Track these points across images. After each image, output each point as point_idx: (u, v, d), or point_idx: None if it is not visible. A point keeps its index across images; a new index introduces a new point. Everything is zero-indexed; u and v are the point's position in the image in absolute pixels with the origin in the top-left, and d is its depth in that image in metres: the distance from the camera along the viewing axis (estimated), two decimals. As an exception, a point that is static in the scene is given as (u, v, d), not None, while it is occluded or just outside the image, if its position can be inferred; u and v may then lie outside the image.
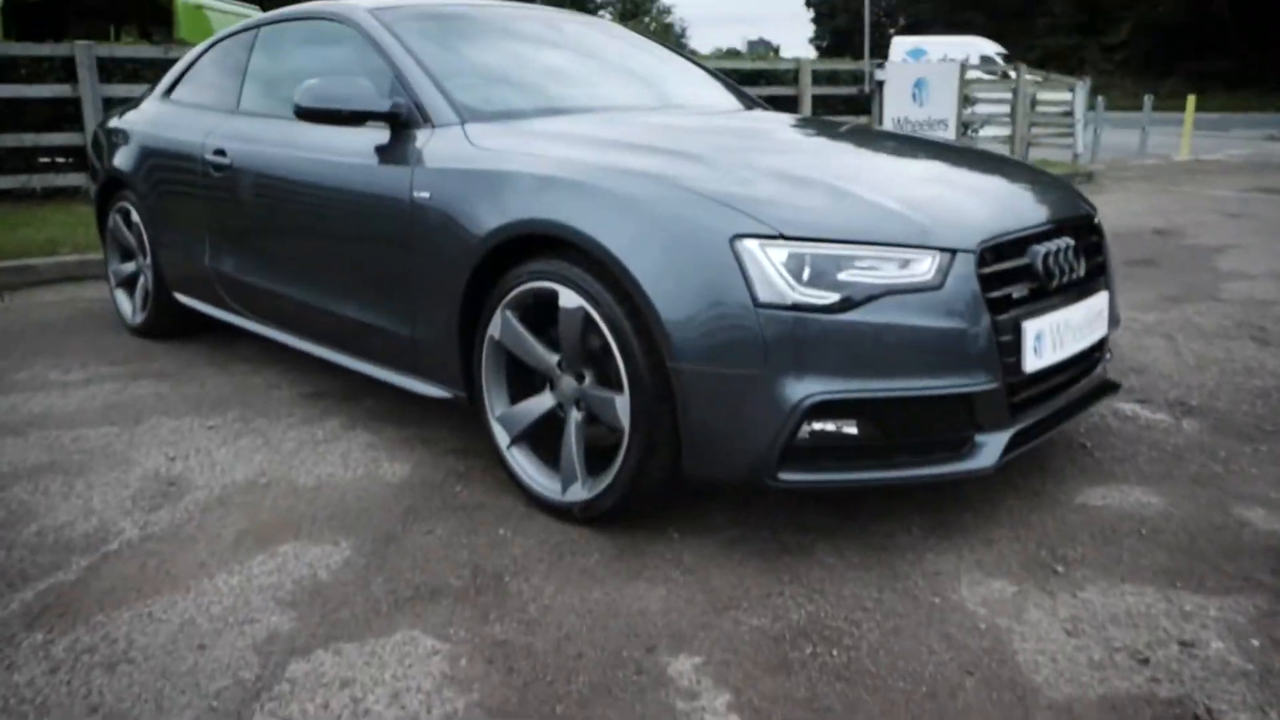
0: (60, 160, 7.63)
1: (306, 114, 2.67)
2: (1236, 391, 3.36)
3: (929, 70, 11.74)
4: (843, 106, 11.33)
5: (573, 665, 1.80)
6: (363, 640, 1.88)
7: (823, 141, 2.88)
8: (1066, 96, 12.67)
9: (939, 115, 11.59)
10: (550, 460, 2.42)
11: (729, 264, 2.00)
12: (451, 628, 1.92)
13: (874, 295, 2.01)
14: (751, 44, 39.23)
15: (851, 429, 2.07)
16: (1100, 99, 13.42)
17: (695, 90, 3.59)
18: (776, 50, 43.03)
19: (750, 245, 2.00)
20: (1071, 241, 2.40)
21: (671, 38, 41.49)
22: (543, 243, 2.30)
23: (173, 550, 2.27)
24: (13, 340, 4.16)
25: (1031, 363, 2.21)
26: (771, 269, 1.99)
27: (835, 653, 1.84)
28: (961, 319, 2.07)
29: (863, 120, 11.20)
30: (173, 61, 7.04)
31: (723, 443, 2.08)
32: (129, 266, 4.19)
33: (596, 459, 2.30)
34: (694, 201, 2.09)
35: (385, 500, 2.52)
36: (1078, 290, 2.42)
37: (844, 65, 11.64)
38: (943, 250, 2.08)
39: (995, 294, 2.14)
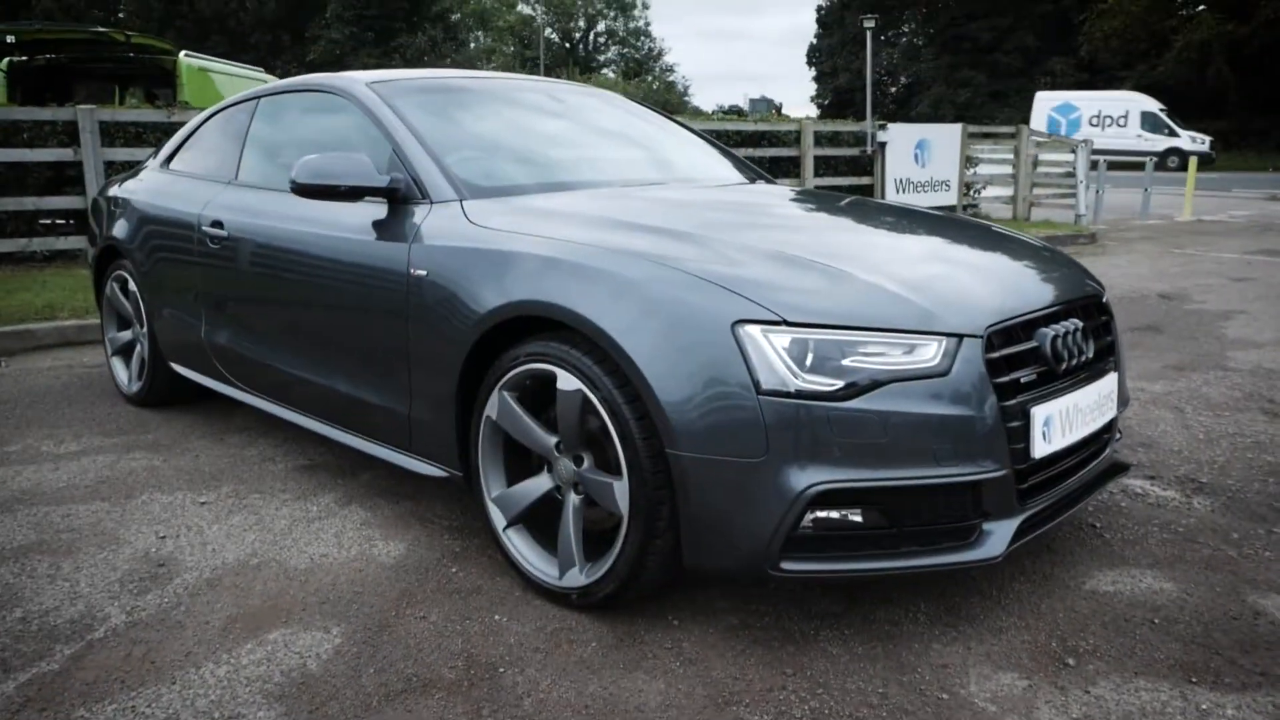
0: (61, 223, 7.70)
1: (303, 190, 2.69)
2: (1248, 468, 3.32)
3: (931, 131, 11.89)
4: (845, 167, 11.45)
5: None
6: (351, 739, 1.84)
7: (824, 218, 2.90)
8: (1069, 157, 12.81)
9: (941, 176, 11.73)
10: (548, 543, 2.38)
11: (730, 350, 1.99)
12: None
13: (879, 382, 2.00)
14: (754, 102, 39.82)
15: (856, 517, 2.04)
16: (1102, 160, 13.56)
17: (696, 163, 3.63)
18: (779, 108, 43.71)
19: (752, 331, 1.99)
20: (1080, 323, 2.39)
21: (674, 96, 42.12)
22: (541, 324, 2.30)
23: (159, 638, 2.23)
24: (7, 409, 4.14)
25: (1040, 448, 2.19)
26: (774, 355, 1.98)
27: (840, 754, 1.79)
28: (968, 406, 2.05)
29: (865, 181, 11.33)
30: (176, 126, 7.17)
31: (723, 532, 2.05)
32: (125, 335, 4.20)
33: (595, 543, 2.27)
34: (695, 285, 2.09)
35: (379, 583, 2.48)
36: (1087, 373, 2.40)
37: (846, 126, 11.78)
38: (949, 335, 2.07)
39: (1003, 379, 2.13)
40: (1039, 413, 2.18)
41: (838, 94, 35.62)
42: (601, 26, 56.62)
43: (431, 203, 2.69)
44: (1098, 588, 2.43)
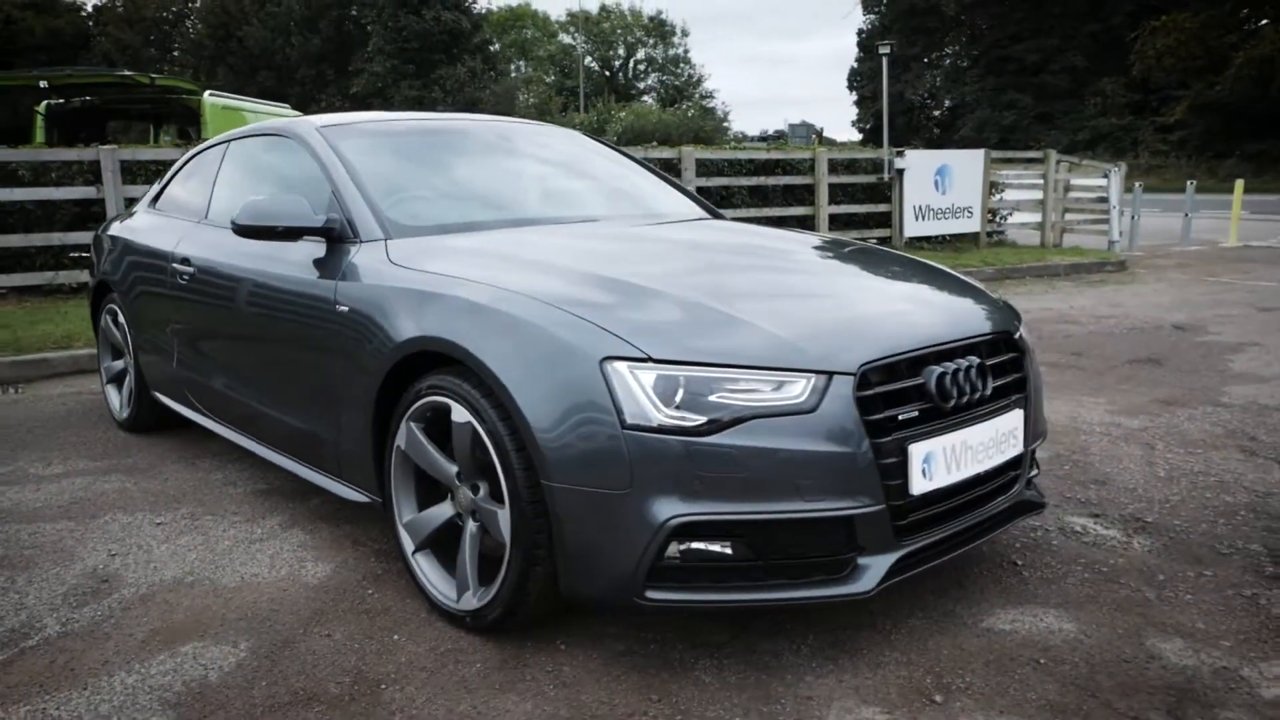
0: (85, 256, 8.10)
1: (243, 230, 2.87)
2: (1201, 508, 3.31)
3: (953, 157, 11.88)
4: (863, 195, 11.49)
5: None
6: (225, 750, 1.97)
7: (731, 256, 2.99)
8: (1101, 182, 12.67)
9: (963, 203, 11.70)
10: (452, 568, 2.51)
11: (599, 385, 2.10)
12: None
13: (742, 418, 2.09)
14: (794, 126, 39.93)
15: (725, 549, 2.13)
16: (1138, 184, 13.38)
17: (641, 200, 3.75)
18: (820, 133, 43.56)
19: (619, 367, 2.11)
20: (976, 360, 2.44)
21: (710, 123, 42.36)
22: (441, 358, 2.43)
23: (84, 647, 2.39)
24: (8, 433, 4.41)
25: (920, 485, 2.25)
26: (639, 391, 2.09)
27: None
28: (837, 442, 2.13)
29: (882, 208, 11.34)
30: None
31: (594, 561, 2.15)
32: (118, 364, 4.44)
33: (493, 568, 2.39)
34: (569, 323, 2.21)
35: (297, 602, 2.62)
36: (982, 410, 2.45)
37: (863, 153, 11.83)
38: (818, 373, 2.15)
39: (878, 416, 2.20)
40: (918, 450, 2.24)
41: (879, 118, 35.59)
42: (641, 54, 57.32)
43: (361, 242, 2.85)
44: (994, 625, 2.48)
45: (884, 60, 27.35)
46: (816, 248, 3.24)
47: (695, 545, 2.12)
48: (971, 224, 11.88)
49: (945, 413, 2.34)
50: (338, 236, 2.89)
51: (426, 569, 2.55)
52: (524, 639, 2.38)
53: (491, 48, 48.13)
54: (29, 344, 5.96)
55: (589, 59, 54.62)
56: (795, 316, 2.33)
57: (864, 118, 37.16)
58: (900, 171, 11.26)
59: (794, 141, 33.52)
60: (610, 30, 56.32)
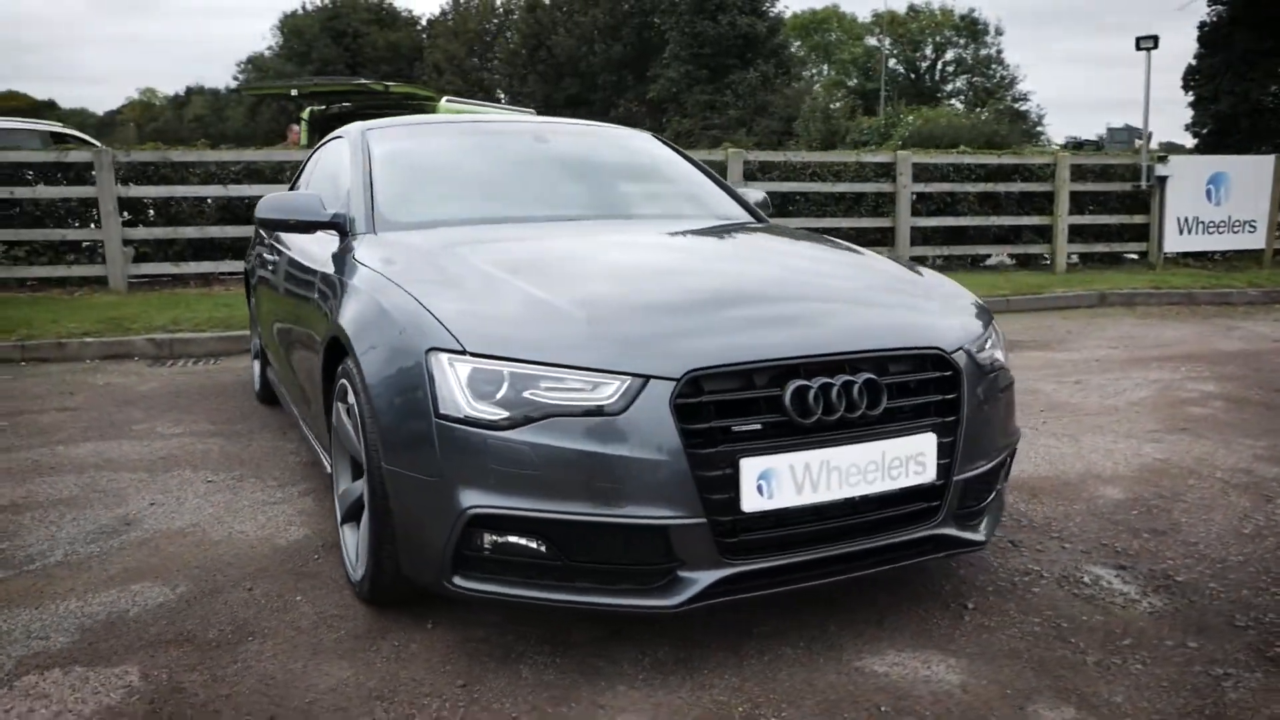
0: None
1: (262, 223, 3.28)
2: (1261, 573, 2.83)
3: (1232, 163, 10.44)
4: (1116, 204, 10.41)
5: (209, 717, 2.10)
6: (88, 666, 2.31)
7: (658, 258, 3.00)
8: None
9: (1242, 216, 10.26)
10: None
11: (423, 375, 2.23)
12: (158, 670, 2.29)
13: (548, 415, 2.12)
14: (1113, 130, 36.13)
15: (539, 546, 2.18)
16: None
17: (667, 203, 3.78)
18: (1148, 137, 39.03)
19: (441, 359, 2.22)
20: (865, 376, 2.28)
21: (1017, 127, 39.66)
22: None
23: (65, 575, 2.87)
24: (168, 399, 5.24)
25: (755, 502, 2.16)
26: (455, 382, 2.19)
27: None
28: (645, 449, 2.10)
29: (1138, 219, 10.19)
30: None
31: (414, 543, 2.28)
32: (258, 343, 5.14)
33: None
34: (415, 314, 2.35)
35: (253, 559, 2.97)
36: (862, 430, 2.29)
37: (1118, 159, 10.70)
38: (633, 375, 2.13)
39: (702, 425, 2.14)
40: (753, 465, 2.15)
41: (1218, 121, 31.45)
42: (950, 55, 54.81)
43: (357, 235, 3.15)
44: (868, 666, 2.30)
45: (1147, 54, 24.20)
46: (791, 252, 3.14)
47: (511, 539, 2.19)
48: (1254, 239, 10.39)
49: (804, 429, 2.21)
50: (344, 230, 3.21)
51: (348, 539, 2.78)
52: (401, 614, 2.55)
53: (789, 51, 48.43)
54: (237, 322, 6.94)
55: (893, 60, 53.20)
56: (649, 320, 2.31)
57: (1199, 120, 33.10)
58: (1162, 179, 10.09)
59: (1111, 147, 30.50)
60: (918, 30, 54.51)
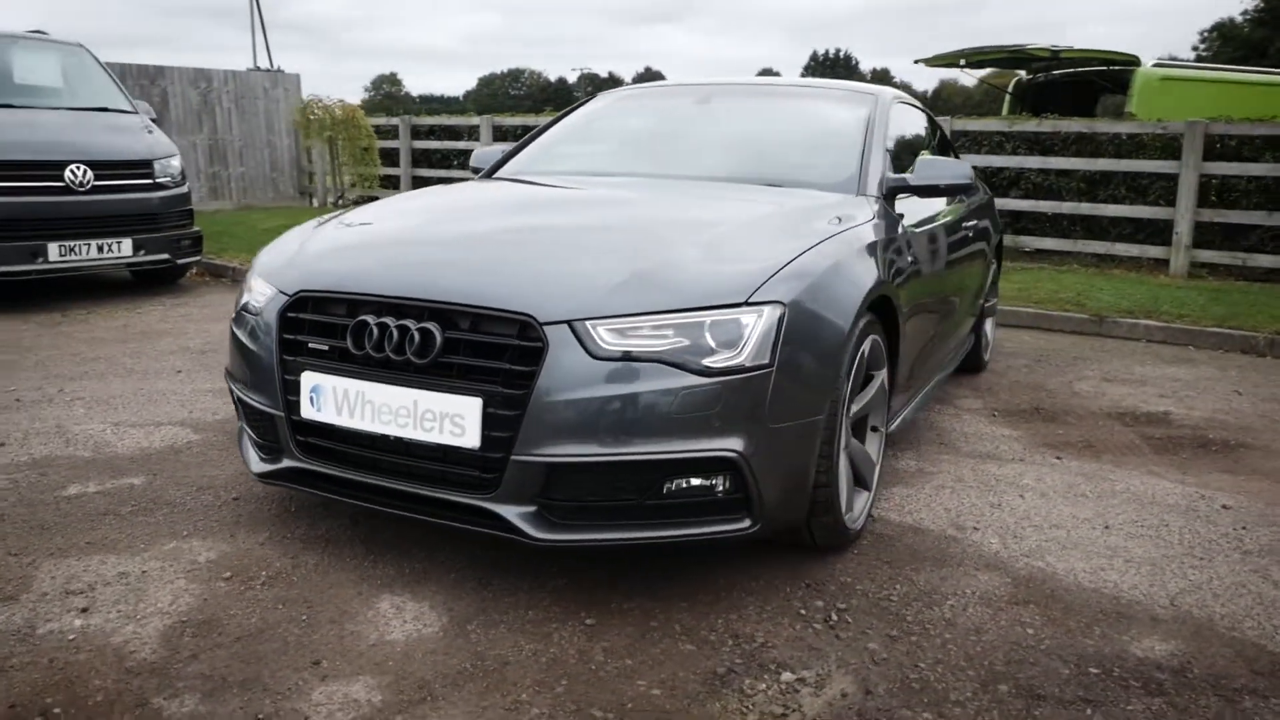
0: None
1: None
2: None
3: None
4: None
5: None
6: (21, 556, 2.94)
7: (502, 197, 3.68)
8: None
9: None
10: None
11: None
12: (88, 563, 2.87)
13: (253, 313, 2.94)
14: None
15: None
16: None
17: (775, 169, 3.83)
18: None
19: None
20: (425, 325, 2.48)
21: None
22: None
23: (66, 524, 3.18)
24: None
25: (308, 412, 2.66)
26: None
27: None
28: (259, 345, 2.83)
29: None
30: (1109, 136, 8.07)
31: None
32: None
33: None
34: None
35: (237, 511, 3.31)
36: (409, 376, 2.50)
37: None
38: (279, 291, 2.82)
39: (291, 336, 2.70)
40: (308, 379, 2.66)
41: None
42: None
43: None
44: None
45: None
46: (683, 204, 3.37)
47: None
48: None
49: (355, 359, 2.55)
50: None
51: None
52: (338, 556, 2.96)
53: None
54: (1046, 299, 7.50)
55: None
56: (362, 250, 2.98)
57: None
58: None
59: None
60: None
